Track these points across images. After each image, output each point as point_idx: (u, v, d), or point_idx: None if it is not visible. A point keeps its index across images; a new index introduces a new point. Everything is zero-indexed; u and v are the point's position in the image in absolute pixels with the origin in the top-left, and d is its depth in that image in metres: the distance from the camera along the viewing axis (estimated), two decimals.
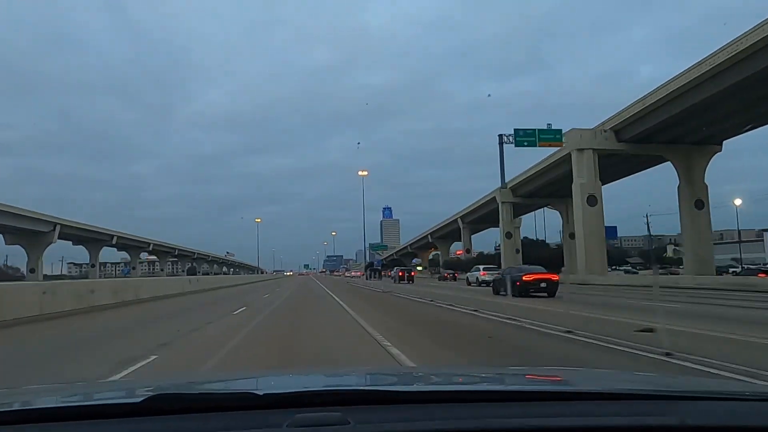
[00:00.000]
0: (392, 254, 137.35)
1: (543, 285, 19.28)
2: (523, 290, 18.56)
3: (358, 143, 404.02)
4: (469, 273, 40.18)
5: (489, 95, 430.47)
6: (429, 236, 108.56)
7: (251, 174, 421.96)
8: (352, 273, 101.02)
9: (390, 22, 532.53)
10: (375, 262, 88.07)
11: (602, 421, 1.19)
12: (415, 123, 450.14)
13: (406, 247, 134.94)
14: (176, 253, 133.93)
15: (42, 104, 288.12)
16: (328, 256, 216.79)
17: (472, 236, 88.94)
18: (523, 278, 19.31)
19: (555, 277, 19.96)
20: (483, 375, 2.21)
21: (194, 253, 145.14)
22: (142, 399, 1.28)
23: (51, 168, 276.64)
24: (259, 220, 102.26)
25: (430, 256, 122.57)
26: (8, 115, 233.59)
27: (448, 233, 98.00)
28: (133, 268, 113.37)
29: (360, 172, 60.40)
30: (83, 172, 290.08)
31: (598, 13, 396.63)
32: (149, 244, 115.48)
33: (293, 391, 1.46)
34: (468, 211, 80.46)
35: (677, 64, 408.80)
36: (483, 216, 75.46)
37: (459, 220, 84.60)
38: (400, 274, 46.22)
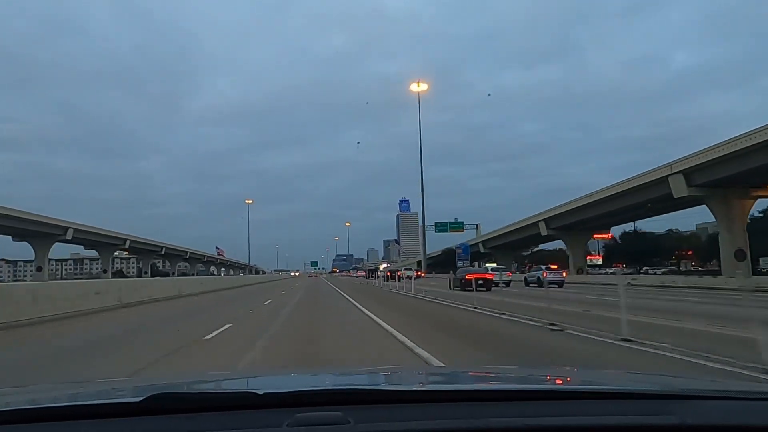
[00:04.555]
0: (516, 227, 74.76)
1: (480, 282, 23.46)
2: (468, 285, 22.16)
3: (358, 143, 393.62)
4: None
5: (489, 95, 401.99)
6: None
7: (258, 171, 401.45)
8: (358, 273, 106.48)
9: (408, 4, 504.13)
10: (462, 250, 64.59)
11: (602, 420, 1.18)
12: (431, 116, 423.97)
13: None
14: (163, 252, 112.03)
15: (43, 96, 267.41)
16: (338, 255, 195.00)
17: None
18: (466, 277, 25.06)
19: (490, 276, 27.96)
20: (483, 374, 2.21)
21: (186, 252, 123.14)
22: (142, 399, 1.24)
23: (52, 164, 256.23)
24: (250, 201, 78.70)
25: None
26: (7, 109, 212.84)
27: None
28: (104, 271, 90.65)
29: (413, 86, 37.97)
30: (85, 168, 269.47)
31: None
32: (125, 240, 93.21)
33: (293, 390, 1.40)
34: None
35: (713, 49, 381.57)
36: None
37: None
38: (388, 274, 49.25)
